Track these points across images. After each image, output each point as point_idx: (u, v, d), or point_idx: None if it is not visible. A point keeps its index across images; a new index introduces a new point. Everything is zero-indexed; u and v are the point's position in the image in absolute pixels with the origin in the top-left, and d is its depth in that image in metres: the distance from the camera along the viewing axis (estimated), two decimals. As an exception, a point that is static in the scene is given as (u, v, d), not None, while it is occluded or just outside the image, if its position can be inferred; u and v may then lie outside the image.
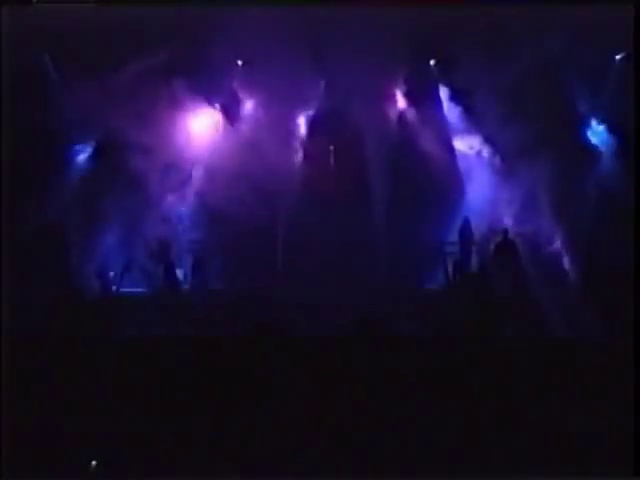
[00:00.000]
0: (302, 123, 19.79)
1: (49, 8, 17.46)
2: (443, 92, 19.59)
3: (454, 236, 19.07)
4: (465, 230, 18.95)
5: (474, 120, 19.32)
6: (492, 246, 18.20)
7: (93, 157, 18.83)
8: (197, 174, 19.36)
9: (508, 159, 18.96)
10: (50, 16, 17.62)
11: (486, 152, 19.26)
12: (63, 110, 18.74)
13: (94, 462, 10.08)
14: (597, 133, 18.86)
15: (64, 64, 18.74)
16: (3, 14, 15.91)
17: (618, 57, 18.61)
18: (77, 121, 18.70)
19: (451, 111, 19.62)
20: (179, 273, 18.08)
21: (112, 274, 18.36)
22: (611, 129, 18.44)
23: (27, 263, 16.91)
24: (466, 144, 19.47)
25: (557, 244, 18.17)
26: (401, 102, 19.65)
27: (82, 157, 18.99)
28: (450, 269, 18.78)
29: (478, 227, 18.84)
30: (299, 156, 19.77)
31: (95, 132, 18.79)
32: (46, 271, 17.23)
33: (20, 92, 17.29)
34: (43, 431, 11.25)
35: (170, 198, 18.95)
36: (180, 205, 19.08)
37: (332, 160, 19.61)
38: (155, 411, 11.59)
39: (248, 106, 19.70)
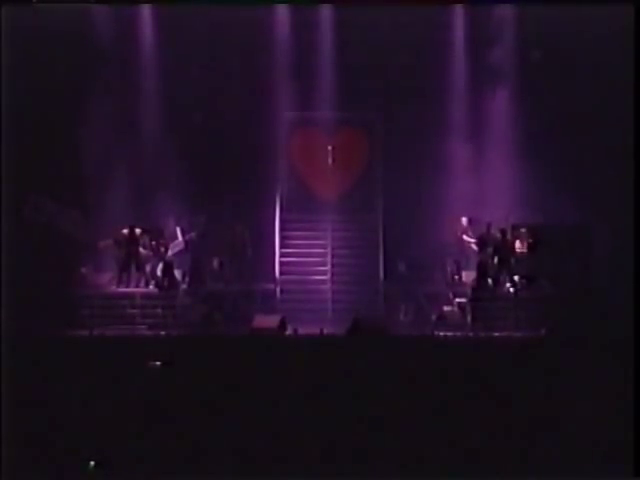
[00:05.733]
0: (301, 123, 19.78)
1: (49, 8, 17.52)
2: (443, 91, 19.57)
3: (453, 236, 19.05)
4: (465, 230, 18.95)
5: (475, 119, 19.32)
6: (491, 246, 18.17)
7: (91, 155, 18.80)
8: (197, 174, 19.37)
9: (509, 159, 18.97)
10: (50, 16, 17.66)
11: (487, 151, 19.26)
12: (62, 109, 18.76)
13: (92, 462, 10.09)
14: (597, 132, 18.85)
15: (64, 64, 18.73)
16: (3, 14, 15.95)
17: (617, 57, 18.60)
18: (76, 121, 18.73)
19: (453, 109, 19.60)
20: (177, 273, 18.08)
21: (112, 274, 18.35)
22: (611, 129, 18.43)
23: (27, 263, 16.95)
24: (466, 143, 19.45)
25: (556, 244, 18.17)
26: (401, 101, 19.62)
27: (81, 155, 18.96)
28: (449, 269, 18.77)
29: (478, 227, 18.83)
30: (298, 156, 19.77)
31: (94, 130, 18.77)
32: (46, 271, 17.24)
33: (20, 92, 17.31)
34: (43, 431, 11.24)
35: (169, 198, 18.95)
36: (180, 205, 19.08)
37: (330, 160, 19.58)
38: (154, 411, 11.59)
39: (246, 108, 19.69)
